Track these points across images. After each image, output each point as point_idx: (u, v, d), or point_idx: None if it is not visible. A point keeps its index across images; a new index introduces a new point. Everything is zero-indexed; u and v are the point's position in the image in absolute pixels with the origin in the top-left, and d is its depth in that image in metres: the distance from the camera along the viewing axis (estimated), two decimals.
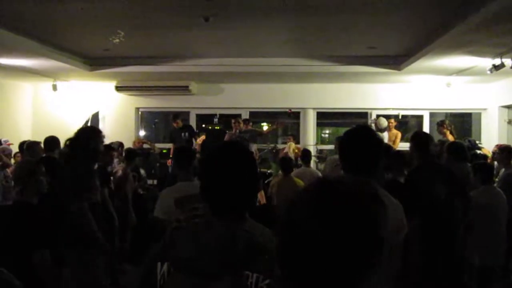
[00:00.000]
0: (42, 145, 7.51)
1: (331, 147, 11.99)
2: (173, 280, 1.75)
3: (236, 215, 1.80)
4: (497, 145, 7.29)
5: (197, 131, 12.22)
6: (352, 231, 1.09)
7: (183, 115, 11.33)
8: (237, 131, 9.96)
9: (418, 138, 5.09)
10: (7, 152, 7.92)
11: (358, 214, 1.10)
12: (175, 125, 10.59)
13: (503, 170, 6.82)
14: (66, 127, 11.31)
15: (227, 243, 1.72)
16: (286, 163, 7.44)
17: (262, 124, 13.21)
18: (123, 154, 8.18)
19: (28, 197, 4.02)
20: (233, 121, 10.25)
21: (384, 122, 10.57)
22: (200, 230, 1.78)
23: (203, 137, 10.33)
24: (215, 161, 1.88)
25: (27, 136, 11.08)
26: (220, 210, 1.79)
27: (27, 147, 7.09)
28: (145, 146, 10.86)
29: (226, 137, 10.02)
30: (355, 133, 2.77)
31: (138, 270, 1.89)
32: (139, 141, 11.23)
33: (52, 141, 6.66)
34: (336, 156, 8.10)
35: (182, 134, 10.36)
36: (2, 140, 9.23)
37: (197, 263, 1.71)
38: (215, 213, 1.79)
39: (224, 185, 1.80)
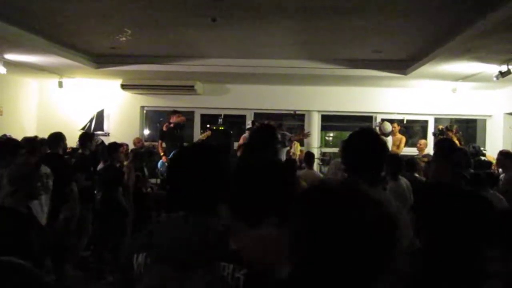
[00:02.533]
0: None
1: (334, 150, 11.99)
2: (150, 271, 1.80)
3: (207, 210, 1.86)
4: (500, 151, 7.27)
5: (201, 131, 12.24)
6: (349, 232, 1.09)
7: (185, 115, 11.31)
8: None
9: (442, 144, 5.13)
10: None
11: (351, 218, 1.11)
12: (174, 120, 10.57)
13: (503, 175, 6.81)
14: (71, 124, 11.39)
15: (201, 235, 1.77)
16: (308, 158, 7.50)
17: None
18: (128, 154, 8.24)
19: (17, 201, 3.68)
20: (259, 123, 10.05)
21: (388, 127, 10.55)
22: (176, 224, 1.85)
23: (208, 133, 10.30)
24: (180, 160, 2.00)
25: (32, 132, 11.11)
26: (190, 206, 1.86)
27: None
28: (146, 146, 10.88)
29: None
30: (358, 135, 2.76)
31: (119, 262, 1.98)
32: (138, 140, 11.24)
33: (56, 137, 6.67)
34: (339, 160, 8.09)
35: (175, 131, 10.36)
36: (7, 135, 9.25)
37: (173, 255, 1.77)
38: (185, 209, 1.87)
39: (188, 182, 1.90)
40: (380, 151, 2.66)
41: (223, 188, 1.96)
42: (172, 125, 10.47)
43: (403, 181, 6.09)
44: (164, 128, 10.54)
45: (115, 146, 7.61)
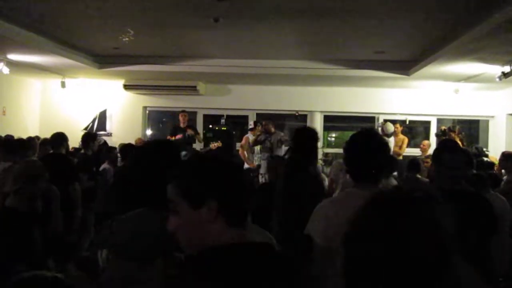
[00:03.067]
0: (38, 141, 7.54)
1: (337, 150, 11.98)
2: (112, 265, 1.90)
3: (163, 204, 1.89)
4: (502, 153, 7.25)
5: (204, 131, 12.24)
6: (423, 239, 1.08)
7: (190, 115, 11.31)
8: (258, 133, 10.01)
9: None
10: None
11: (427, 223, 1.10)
12: (181, 119, 10.57)
13: (505, 176, 6.79)
14: (74, 124, 11.41)
15: (157, 229, 1.81)
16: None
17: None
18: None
19: (20, 201, 3.66)
20: (263, 123, 10.15)
21: (390, 127, 10.54)
22: (136, 219, 1.95)
23: (219, 143, 10.34)
24: (144, 157, 2.12)
25: (35, 132, 11.14)
26: (149, 201, 1.97)
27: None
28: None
29: (253, 140, 10.13)
30: (360, 136, 2.75)
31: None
32: (141, 140, 11.25)
33: (58, 137, 6.66)
34: (341, 160, 8.09)
35: (186, 133, 10.38)
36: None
37: (132, 249, 1.86)
38: (147, 203, 1.96)
39: (148, 178, 2.01)
40: (382, 152, 2.65)
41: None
42: (182, 126, 10.51)
43: (393, 181, 6.15)
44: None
45: (130, 147, 7.59)
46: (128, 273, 1.85)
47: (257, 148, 10.23)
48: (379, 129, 10.52)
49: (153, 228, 1.87)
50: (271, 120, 10.45)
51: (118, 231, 1.94)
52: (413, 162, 7.55)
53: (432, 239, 1.09)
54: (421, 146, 10.75)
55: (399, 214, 1.13)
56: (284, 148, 9.66)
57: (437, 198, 1.18)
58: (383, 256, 1.09)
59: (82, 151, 7.76)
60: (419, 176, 7.28)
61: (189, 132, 10.39)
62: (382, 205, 1.18)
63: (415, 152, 10.80)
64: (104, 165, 7.73)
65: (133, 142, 10.37)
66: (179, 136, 10.21)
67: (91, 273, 2.02)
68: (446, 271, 1.10)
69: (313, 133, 4.41)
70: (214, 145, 10.31)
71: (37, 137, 8.36)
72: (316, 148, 4.37)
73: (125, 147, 7.55)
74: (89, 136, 7.89)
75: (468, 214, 1.50)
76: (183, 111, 10.74)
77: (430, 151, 10.80)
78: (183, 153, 9.77)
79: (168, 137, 10.36)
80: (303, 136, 4.36)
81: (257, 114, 12.19)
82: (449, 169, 3.31)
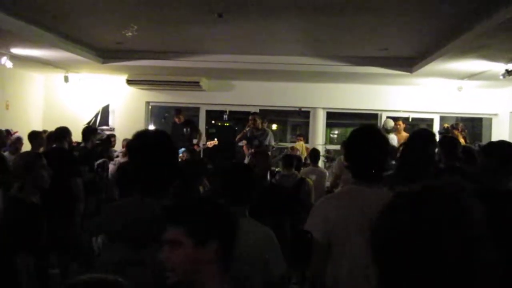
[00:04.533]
0: (44, 135, 7.57)
1: (339, 147, 11.98)
2: (107, 250, 1.98)
3: (159, 192, 2.07)
4: None
5: (206, 127, 12.25)
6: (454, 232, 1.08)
7: (190, 111, 11.31)
8: (248, 128, 9.83)
9: (446, 142, 5.13)
10: (19, 144, 8.01)
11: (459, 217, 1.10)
12: (176, 120, 10.58)
13: None
14: (77, 119, 11.42)
15: (152, 215, 1.93)
16: (288, 160, 7.40)
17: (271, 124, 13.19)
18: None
19: (27, 194, 3.65)
20: (250, 117, 10.02)
21: (390, 123, 10.56)
22: (129, 206, 2.04)
23: (215, 141, 10.32)
24: (139, 148, 2.21)
25: (38, 126, 11.14)
26: (144, 188, 2.07)
27: (31, 137, 7.12)
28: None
29: (240, 134, 9.97)
30: (360, 132, 2.73)
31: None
32: None
33: (61, 131, 6.68)
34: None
35: (184, 129, 10.35)
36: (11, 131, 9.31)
37: (128, 234, 1.94)
38: (143, 191, 2.07)
39: (144, 168, 2.11)
40: (382, 149, 2.63)
41: (173, 172, 2.18)
42: (182, 122, 10.48)
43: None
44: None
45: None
46: (122, 257, 1.93)
47: None
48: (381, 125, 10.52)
49: (145, 215, 1.95)
50: (257, 114, 10.30)
51: (111, 217, 2.02)
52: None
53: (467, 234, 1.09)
54: None
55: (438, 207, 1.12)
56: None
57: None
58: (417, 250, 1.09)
59: (82, 144, 7.82)
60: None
61: (187, 130, 10.34)
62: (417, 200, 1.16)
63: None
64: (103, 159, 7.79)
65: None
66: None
67: (85, 259, 2.08)
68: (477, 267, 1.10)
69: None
70: (210, 143, 10.32)
71: (44, 131, 8.37)
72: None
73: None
74: (89, 130, 7.95)
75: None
76: (176, 111, 10.72)
77: None
78: (181, 149, 9.79)
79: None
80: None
81: (260, 110, 12.19)
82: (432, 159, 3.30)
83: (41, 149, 7.08)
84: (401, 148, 4.32)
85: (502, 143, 3.91)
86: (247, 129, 9.65)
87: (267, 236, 2.82)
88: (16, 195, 3.68)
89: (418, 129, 7.43)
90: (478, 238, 1.09)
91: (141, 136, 2.27)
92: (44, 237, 3.58)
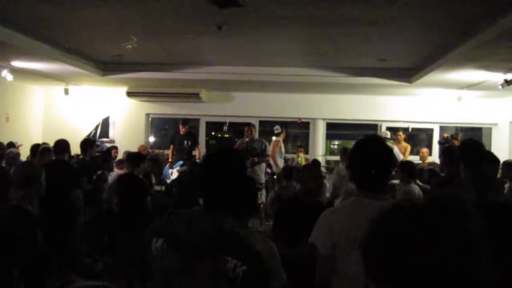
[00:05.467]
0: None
1: (339, 158, 11.98)
2: (166, 255, 2.00)
3: (223, 210, 2.07)
4: (504, 162, 7.23)
5: (206, 138, 12.24)
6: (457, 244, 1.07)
7: (192, 123, 11.31)
8: (247, 139, 9.74)
9: (449, 151, 5.13)
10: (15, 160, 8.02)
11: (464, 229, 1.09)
12: (181, 128, 10.54)
13: (507, 185, 6.77)
14: (77, 131, 11.42)
15: (216, 229, 1.98)
16: (287, 171, 7.39)
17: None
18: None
19: (25, 203, 3.74)
20: (245, 128, 9.99)
21: (385, 134, 10.61)
22: (193, 217, 2.07)
23: None
24: (210, 165, 2.21)
25: (38, 139, 11.15)
26: (211, 205, 2.09)
27: (41, 151, 7.12)
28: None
29: (238, 143, 9.87)
30: (365, 143, 2.69)
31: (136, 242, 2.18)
32: (144, 147, 11.28)
33: (61, 144, 6.69)
34: (342, 166, 8.08)
35: (185, 142, 10.34)
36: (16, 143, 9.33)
37: (188, 243, 1.97)
38: (207, 207, 2.10)
39: (214, 186, 2.12)
40: (387, 160, 2.60)
41: (241, 191, 2.21)
42: (185, 133, 10.47)
43: (416, 187, 6.11)
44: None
45: (140, 156, 7.59)
46: (178, 264, 1.97)
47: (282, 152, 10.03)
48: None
49: (211, 228, 1.99)
50: (253, 125, 10.14)
51: (175, 224, 2.07)
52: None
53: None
54: (421, 154, 10.79)
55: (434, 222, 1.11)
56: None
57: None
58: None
59: (81, 156, 7.83)
60: (420, 183, 7.27)
61: (187, 143, 10.31)
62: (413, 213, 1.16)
63: (417, 159, 10.79)
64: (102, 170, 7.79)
65: (136, 149, 10.40)
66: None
67: (90, 279, 2.10)
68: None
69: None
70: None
71: (45, 144, 8.36)
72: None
73: (135, 156, 7.53)
74: (87, 142, 7.95)
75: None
76: (184, 121, 10.70)
77: (432, 158, 10.85)
78: (180, 162, 9.77)
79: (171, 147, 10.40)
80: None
81: (260, 121, 12.20)
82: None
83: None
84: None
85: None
86: (247, 139, 9.56)
87: (269, 248, 2.81)
88: (15, 203, 3.69)
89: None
90: (479, 251, 1.09)
91: (215, 154, 2.32)
92: (39, 246, 3.58)
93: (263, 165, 9.49)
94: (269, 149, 9.54)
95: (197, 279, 1.93)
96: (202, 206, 2.14)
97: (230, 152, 2.43)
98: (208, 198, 2.11)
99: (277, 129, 10.35)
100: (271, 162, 9.73)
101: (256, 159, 9.14)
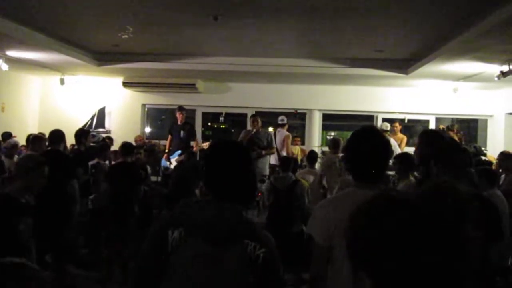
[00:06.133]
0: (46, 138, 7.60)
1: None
2: (186, 244, 2.02)
3: (231, 200, 2.12)
4: (502, 152, 7.26)
5: (203, 129, 12.23)
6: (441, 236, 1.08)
7: (189, 113, 11.24)
8: (254, 130, 9.67)
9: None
10: (15, 150, 8.09)
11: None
12: (178, 115, 10.45)
13: (503, 176, 6.80)
14: (73, 121, 11.40)
15: (233, 215, 2.05)
16: (285, 162, 7.37)
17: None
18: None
19: (18, 189, 3.77)
20: (251, 119, 9.92)
21: (385, 126, 10.61)
22: (206, 206, 2.10)
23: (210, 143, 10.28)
24: (215, 157, 2.25)
25: (34, 129, 11.14)
26: (221, 195, 2.13)
27: (32, 140, 7.12)
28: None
29: (242, 134, 9.84)
30: (362, 134, 2.66)
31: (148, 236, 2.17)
32: (140, 138, 11.28)
33: (57, 134, 6.67)
34: (330, 155, 8.06)
35: (181, 131, 10.29)
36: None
37: (208, 231, 2.01)
38: (216, 197, 2.13)
39: (223, 177, 2.16)
40: (384, 151, 2.60)
41: (250, 186, 2.26)
42: (182, 122, 10.42)
43: (413, 181, 6.12)
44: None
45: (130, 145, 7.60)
46: (198, 251, 2.00)
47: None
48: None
49: (228, 214, 2.05)
50: (257, 115, 10.18)
51: (192, 212, 2.09)
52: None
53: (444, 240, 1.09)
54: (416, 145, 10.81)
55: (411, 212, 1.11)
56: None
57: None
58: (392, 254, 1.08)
59: (76, 147, 7.83)
60: (416, 174, 7.28)
61: (183, 133, 10.27)
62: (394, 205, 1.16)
63: (412, 151, 10.83)
64: (95, 161, 7.77)
65: (132, 139, 10.38)
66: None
67: (89, 270, 2.07)
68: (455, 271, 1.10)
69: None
70: (205, 144, 10.30)
71: (42, 134, 8.34)
72: None
73: (126, 146, 7.53)
74: (82, 132, 7.95)
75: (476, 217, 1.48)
76: (179, 108, 10.64)
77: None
78: (178, 152, 9.75)
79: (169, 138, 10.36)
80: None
81: (256, 112, 12.18)
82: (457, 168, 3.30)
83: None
84: None
85: None
86: (254, 130, 9.48)
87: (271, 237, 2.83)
88: (8, 193, 3.76)
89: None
90: (469, 239, 1.10)
91: (219, 146, 2.39)
92: (24, 239, 3.62)
93: (267, 157, 9.49)
94: (274, 141, 9.57)
95: (221, 263, 1.98)
96: (206, 196, 2.20)
97: (239, 145, 2.55)
98: (217, 189, 2.16)
99: (282, 120, 10.36)
100: (284, 153, 9.71)
101: (263, 152, 9.16)
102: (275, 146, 9.66)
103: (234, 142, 2.86)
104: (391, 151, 2.93)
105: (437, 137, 4.20)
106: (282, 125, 10.24)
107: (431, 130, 6.35)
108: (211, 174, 2.23)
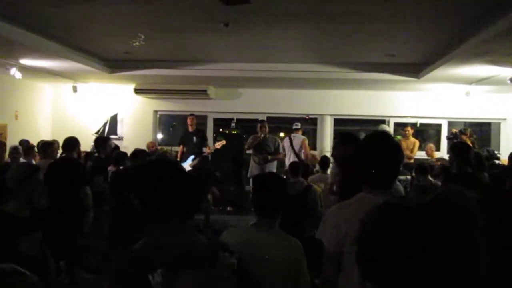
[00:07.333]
0: (57, 145, 7.65)
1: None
2: (176, 281, 1.92)
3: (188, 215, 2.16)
4: (510, 155, 7.19)
5: (214, 135, 12.26)
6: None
7: (198, 119, 11.29)
8: (262, 135, 9.80)
9: (459, 148, 5.13)
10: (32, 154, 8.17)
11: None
12: (189, 122, 10.55)
13: None
14: (85, 129, 11.49)
15: (200, 234, 2.12)
16: (294, 167, 7.36)
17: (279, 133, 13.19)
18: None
19: (18, 205, 3.48)
20: (259, 125, 10.03)
21: (386, 128, 10.62)
22: (171, 232, 2.06)
23: (223, 142, 10.32)
24: (151, 175, 2.17)
25: (47, 136, 11.23)
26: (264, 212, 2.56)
27: (42, 147, 7.18)
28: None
29: (250, 140, 9.96)
30: (374, 140, 2.65)
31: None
32: (152, 144, 11.33)
33: (70, 141, 6.73)
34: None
35: (194, 138, 10.35)
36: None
37: (192, 259, 1.98)
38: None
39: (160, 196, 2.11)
40: (396, 157, 2.58)
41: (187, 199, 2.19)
42: (193, 129, 10.50)
43: (399, 185, 6.11)
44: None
45: (142, 152, 7.64)
46: (197, 282, 1.95)
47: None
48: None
49: (198, 237, 2.09)
50: (265, 121, 10.40)
51: (158, 248, 2.00)
52: (421, 166, 7.56)
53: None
54: (428, 149, 10.75)
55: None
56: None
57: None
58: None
59: (96, 154, 7.88)
60: (431, 179, 7.25)
61: (196, 139, 10.33)
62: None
63: (425, 155, 10.78)
64: (110, 168, 7.81)
65: (144, 145, 10.43)
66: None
67: (101, 276, 2.05)
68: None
69: None
70: (218, 144, 10.32)
71: (56, 141, 8.38)
72: None
73: (137, 152, 7.57)
74: (102, 140, 8.01)
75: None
76: (191, 115, 10.73)
77: (440, 154, 10.81)
78: (191, 157, 9.79)
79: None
80: None
81: (267, 118, 12.19)
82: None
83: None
84: None
85: None
86: (262, 136, 9.65)
87: (298, 248, 2.87)
88: (4, 209, 3.47)
89: None
90: (477, 248, 1.09)
91: (275, 179, 3.14)
92: (24, 258, 3.43)
93: (275, 163, 9.59)
94: (291, 146, 9.72)
95: (215, 283, 2.01)
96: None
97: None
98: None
99: (296, 125, 10.58)
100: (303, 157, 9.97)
101: (269, 157, 9.26)
102: (282, 152, 9.83)
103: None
104: (403, 156, 2.93)
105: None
106: (297, 130, 10.37)
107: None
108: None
